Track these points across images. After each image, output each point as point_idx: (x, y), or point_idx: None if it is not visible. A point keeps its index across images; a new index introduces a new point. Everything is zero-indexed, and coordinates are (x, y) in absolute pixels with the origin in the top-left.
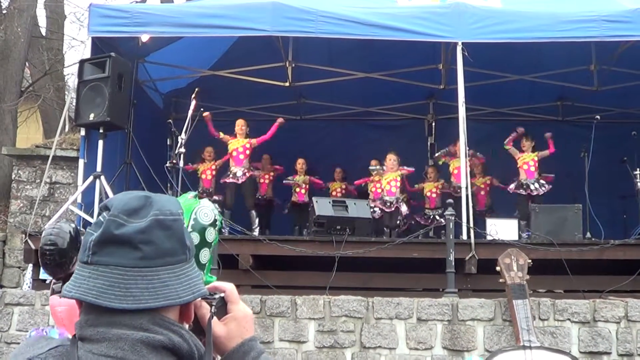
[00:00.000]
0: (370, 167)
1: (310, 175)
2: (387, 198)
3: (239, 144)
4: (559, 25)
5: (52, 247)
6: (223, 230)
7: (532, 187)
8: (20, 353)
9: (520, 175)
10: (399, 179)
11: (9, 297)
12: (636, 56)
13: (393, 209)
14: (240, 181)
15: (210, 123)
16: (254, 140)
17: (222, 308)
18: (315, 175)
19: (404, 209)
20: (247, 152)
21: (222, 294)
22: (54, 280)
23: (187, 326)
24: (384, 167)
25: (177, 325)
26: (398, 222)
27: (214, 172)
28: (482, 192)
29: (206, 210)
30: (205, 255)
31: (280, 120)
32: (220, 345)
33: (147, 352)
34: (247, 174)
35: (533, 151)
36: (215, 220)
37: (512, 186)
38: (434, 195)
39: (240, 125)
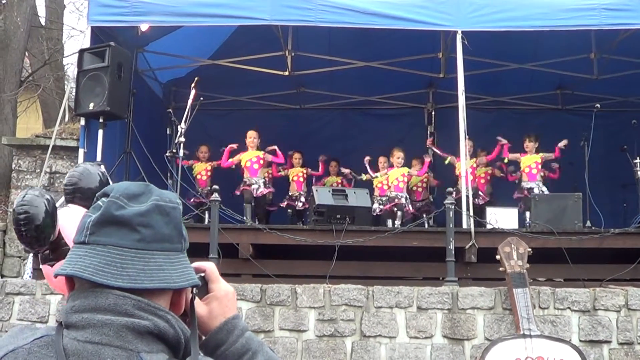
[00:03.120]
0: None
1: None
2: (393, 194)
3: (252, 155)
4: (558, 13)
5: (25, 215)
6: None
7: (533, 191)
8: (5, 344)
9: (522, 179)
10: (406, 173)
11: (9, 287)
12: (636, 44)
13: (397, 202)
14: (257, 194)
15: (224, 159)
16: (269, 157)
17: (203, 288)
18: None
19: (410, 208)
20: (261, 161)
21: (203, 274)
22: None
23: None
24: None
25: (162, 310)
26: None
27: (209, 173)
28: (482, 181)
29: None
30: None
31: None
32: (203, 325)
33: (133, 338)
34: (265, 192)
35: (537, 152)
36: None
37: (515, 193)
38: (419, 189)
39: (252, 137)
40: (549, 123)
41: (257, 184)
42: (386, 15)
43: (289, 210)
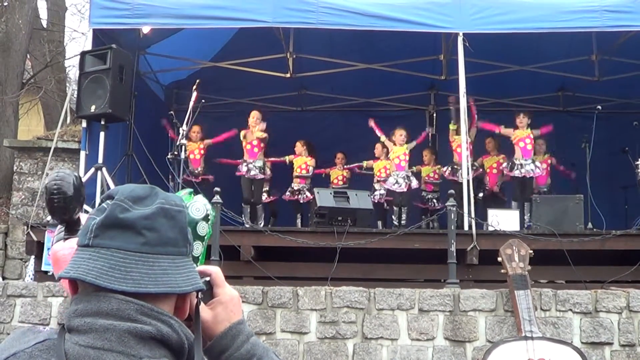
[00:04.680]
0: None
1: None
2: (396, 172)
3: (252, 137)
4: (559, 15)
5: (59, 196)
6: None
7: (527, 167)
8: (6, 347)
9: (515, 154)
10: (407, 152)
11: (11, 289)
12: (637, 46)
13: (406, 188)
14: (257, 178)
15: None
16: (264, 134)
17: (208, 292)
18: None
19: (414, 183)
20: (262, 144)
21: (208, 278)
22: (59, 227)
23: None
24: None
25: (166, 314)
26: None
27: (202, 152)
28: (495, 171)
29: (198, 205)
30: (197, 248)
31: None
32: (208, 330)
33: (135, 343)
34: (264, 175)
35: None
36: (207, 215)
37: (504, 164)
38: (432, 179)
39: (254, 117)
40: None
41: (254, 167)
42: (387, 17)
43: (298, 215)
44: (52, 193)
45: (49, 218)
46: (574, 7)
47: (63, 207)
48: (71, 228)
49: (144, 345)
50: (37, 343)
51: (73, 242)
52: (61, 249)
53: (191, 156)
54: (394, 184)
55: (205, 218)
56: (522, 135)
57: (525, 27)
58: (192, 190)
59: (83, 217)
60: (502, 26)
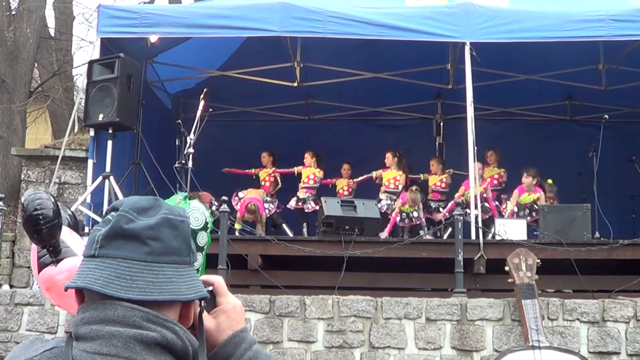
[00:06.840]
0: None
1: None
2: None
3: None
4: (566, 24)
5: (45, 222)
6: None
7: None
8: (15, 356)
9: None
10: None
11: (19, 297)
12: None
13: (414, 223)
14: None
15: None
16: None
17: (211, 301)
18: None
19: (415, 215)
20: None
21: (211, 287)
22: (38, 254)
23: None
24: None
25: (170, 321)
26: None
27: None
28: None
29: (197, 214)
30: (197, 259)
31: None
32: (211, 338)
33: (141, 350)
34: (275, 207)
35: (535, 185)
36: (206, 224)
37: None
38: (440, 188)
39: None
40: (558, 134)
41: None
42: (394, 27)
43: (304, 224)
44: (38, 222)
45: None
46: (581, 16)
47: (48, 233)
48: (56, 250)
49: (149, 351)
50: (45, 351)
51: (66, 263)
52: (57, 274)
53: None
54: (404, 219)
55: (205, 227)
56: (527, 200)
57: (532, 36)
58: (186, 194)
59: (65, 234)
60: (509, 35)
